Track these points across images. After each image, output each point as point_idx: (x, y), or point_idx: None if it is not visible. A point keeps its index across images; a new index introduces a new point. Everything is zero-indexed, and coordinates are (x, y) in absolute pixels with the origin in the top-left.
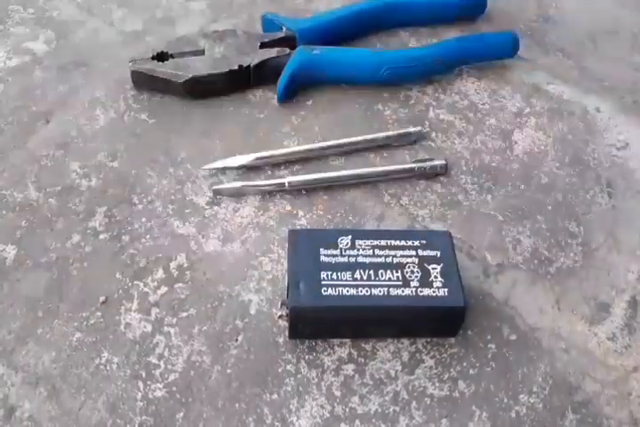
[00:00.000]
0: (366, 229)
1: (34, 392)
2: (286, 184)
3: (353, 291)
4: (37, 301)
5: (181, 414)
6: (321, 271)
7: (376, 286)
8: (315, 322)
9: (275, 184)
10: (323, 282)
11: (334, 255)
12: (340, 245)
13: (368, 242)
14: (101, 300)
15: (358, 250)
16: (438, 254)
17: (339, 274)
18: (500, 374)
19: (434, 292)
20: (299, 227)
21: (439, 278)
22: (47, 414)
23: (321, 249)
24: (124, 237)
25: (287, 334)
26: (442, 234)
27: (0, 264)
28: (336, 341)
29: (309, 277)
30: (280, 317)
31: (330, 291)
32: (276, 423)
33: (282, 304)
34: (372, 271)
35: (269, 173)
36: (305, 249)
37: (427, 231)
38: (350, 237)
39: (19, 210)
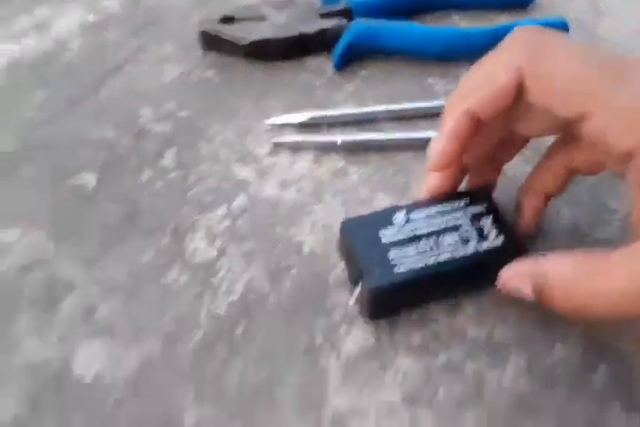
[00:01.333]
0: (414, 202)
1: (110, 298)
2: (339, 142)
3: (421, 263)
4: (114, 224)
5: (240, 329)
6: (387, 252)
7: (441, 253)
8: (393, 299)
9: (329, 142)
10: (392, 262)
11: (394, 234)
12: (396, 222)
13: (420, 214)
14: (171, 227)
15: (414, 223)
16: (484, 209)
17: (404, 250)
18: (541, 323)
19: (493, 242)
20: (349, 181)
21: (493, 229)
22: (122, 320)
23: (379, 231)
24: (190, 177)
25: (363, 314)
26: (481, 190)
27: (81, 190)
28: None
29: (378, 261)
30: (356, 301)
31: (401, 268)
32: (326, 346)
33: (356, 289)
34: (432, 240)
35: (325, 131)
36: (364, 236)
37: (467, 191)
38: (403, 212)
39: (97, 146)
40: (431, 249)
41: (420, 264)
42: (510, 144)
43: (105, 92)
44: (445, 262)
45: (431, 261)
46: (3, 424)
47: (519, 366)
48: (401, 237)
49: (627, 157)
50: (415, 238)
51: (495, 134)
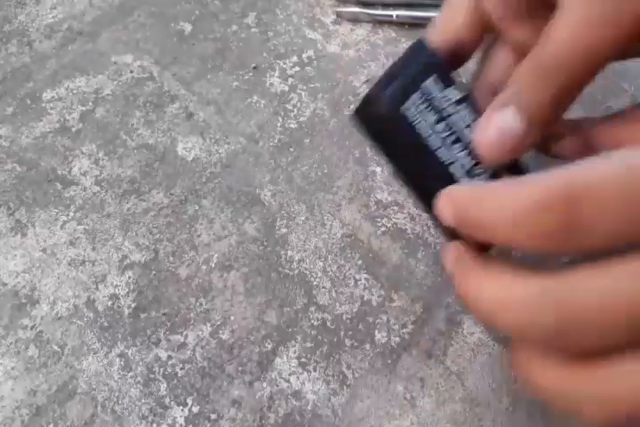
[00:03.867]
0: None
1: (206, 108)
2: (394, 16)
3: None
4: (207, 58)
5: (308, 140)
6: None
7: None
8: None
9: (386, 15)
10: None
11: None
12: None
13: None
14: (253, 66)
15: None
16: None
17: None
18: None
19: None
20: (400, 47)
21: None
22: (215, 122)
23: None
24: (269, 33)
25: None
26: None
27: (180, 33)
28: None
29: None
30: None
31: None
32: (375, 158)
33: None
34: None
35: (380, 9)
36: None
37: None
38: None
39: (192, 2)
40: None
41: None
42: None
43: None
44: None
45: None
46: (122, 179)
47: None
48: None
49: None
50: None
51: None
